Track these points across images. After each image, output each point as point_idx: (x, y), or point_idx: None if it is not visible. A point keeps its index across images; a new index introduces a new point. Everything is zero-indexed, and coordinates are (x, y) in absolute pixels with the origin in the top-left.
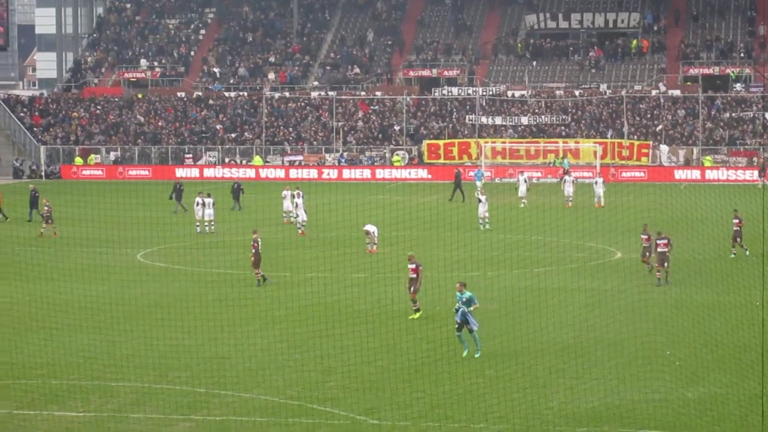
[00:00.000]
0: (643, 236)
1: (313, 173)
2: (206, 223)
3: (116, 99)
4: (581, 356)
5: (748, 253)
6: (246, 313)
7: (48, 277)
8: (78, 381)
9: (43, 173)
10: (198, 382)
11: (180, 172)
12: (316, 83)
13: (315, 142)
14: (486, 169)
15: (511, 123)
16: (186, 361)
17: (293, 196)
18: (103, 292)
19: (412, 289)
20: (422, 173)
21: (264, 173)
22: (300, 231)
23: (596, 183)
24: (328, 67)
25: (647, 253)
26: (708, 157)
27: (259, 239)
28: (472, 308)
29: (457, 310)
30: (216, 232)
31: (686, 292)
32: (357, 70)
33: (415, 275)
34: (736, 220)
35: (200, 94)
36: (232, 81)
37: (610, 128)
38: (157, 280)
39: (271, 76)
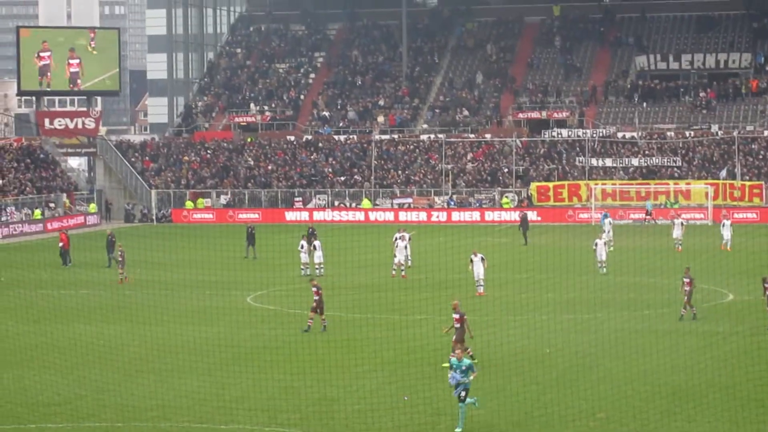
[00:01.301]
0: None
1: (422, 216)
2: (316, 266)
3: (226, 143)
4: (693, 399)
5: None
6: (355, 354)
7: (158, 320)
8: (189, 423)
9: (154, 217)
10: (308, 424)
11: (290, 216)
12: (425, 126)
13: (424, 185)
14: (598, 211)
15: (621, 165)
16: (296, 402)
17: (312, 248)
18: (213, 334)
19: (454, 337)
20: (532, 215)
21: (373, 216)
22: (402, 274)
23: (723, 226)
24: (437, 110)
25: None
26: None
27: (320, 285)
28: (471, 378)
29: (455, 384)
30: (325, 275)
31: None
32: (466, 112)
33: (459, 324)
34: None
35: (310, 137)
36: (341, 124)
37: (722, 169)
38: (267, 322)
39: (381, 119)
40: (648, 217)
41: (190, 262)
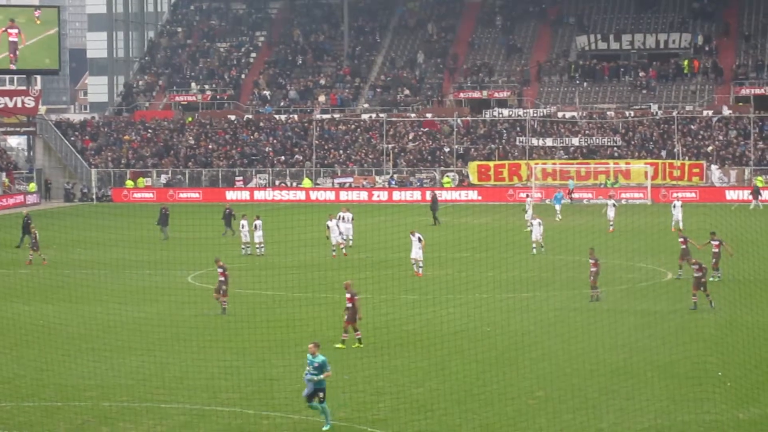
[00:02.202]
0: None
1: (363, 195)
2: (257, 246)
3: (167, 122)
4: (632, 377)
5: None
6: (295, 334)
7: (98, 300)
8: (129, 403)
9: (94, 196)
10: (248, 404)
11: (230, 195)
12: (366, 105)
13: (365, 165)
14: (538, 191)
15: (561, 144)
16: (236, 382)
17: (252, 227)
18: (153, 313)
19: (346, 317)
20: (472, 195)
21: (314, 195)
22: (343, 252)
23: (674, 207)
24: (378, 90)
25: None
26: (760, 177)
27: (225, 266)
28: (323, 376)
29: (308, 379)
30: (265, 255)
31: (737, 313)
32: (407, 92)
33: (351, 304)
34: (716, 242)
35: (251, 116)
36: (282, 104)
37: (663, 149)
38: (207, 301)
39: (322, 98)
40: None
41: (129, 241)
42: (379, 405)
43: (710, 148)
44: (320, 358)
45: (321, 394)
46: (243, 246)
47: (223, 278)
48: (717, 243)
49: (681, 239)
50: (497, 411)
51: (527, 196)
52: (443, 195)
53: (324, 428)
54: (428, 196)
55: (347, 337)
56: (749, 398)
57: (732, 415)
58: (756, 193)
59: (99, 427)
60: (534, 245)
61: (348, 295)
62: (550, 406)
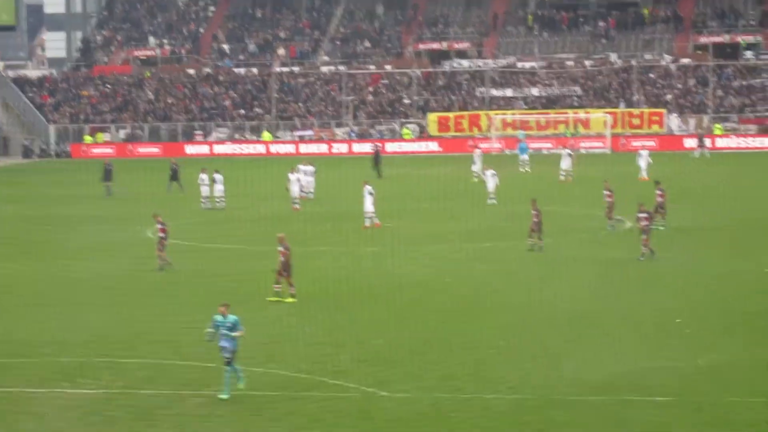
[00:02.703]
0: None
1: (323, 148)
2: (217, 199)
3: (126, 77)
4: (593, 326)
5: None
6: (257, 286)
7: (56, 255)
8: (88, 358)
9: (52, 152)
10: (209, 358)
11: (190, 149)
12: (326, 58)
13: (325, 117)
14: (497, 141)
15: (521, 95)
16: (198, 336)
17: (212, 181)
18: (113, 269)
19: (278, 268)
20: (432, 146)
21: (274, 149)
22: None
23: (640, 156)
24: (338, 42)
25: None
26: (718, 125)
27: (165, 222)
28: (237, 334)
29: (216, 337)
30: (225, 208)
31: (696, 261)
32: (367, 44)
33: (284, 258)
34: (659, 192)
35: (210, 71)
36: (241, 57)
37: (621, 98)
38: (169, 256)
39: (281, 51)
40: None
41: (88, 197)
42: (339, 357)
43: (669, 96)
44: (232, 317)
45: (228, 355)
46: (203, 200)
47: (162, 234)
48: (660, 192)
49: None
50: (458, 361)
51: (475, 147)
52: (403, 146)
53: (221, 396)
54: (371, 148)
55: (280, 288)
56: (707, 345)
57: (690, 361)
58: (701, 141)
59: (59, 382)
60: (491, 196)
61: (281, 249)
62: (511, 355)
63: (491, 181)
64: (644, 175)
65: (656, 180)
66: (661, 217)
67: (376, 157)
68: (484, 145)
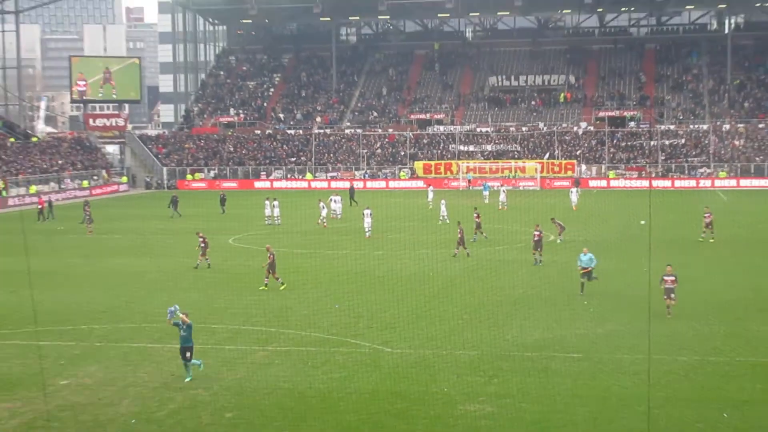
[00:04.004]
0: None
1: (346, 184)
2: (276, 218)
3: (214, 136)
4: (526, 306)
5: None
6: (302, 277)
7: (168, 255)
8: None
9: (165, 185)
10: (270, 324)
11: (257, 184)
12: (348, 124)
13: (347, 163)
14: (463, 180)
15: (479, 149)
16: (263, 309)
17: (272, 206)
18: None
19: (267, 268)
20: (419, 183)
21: (314, 184)
22: (324, 224)
23: (572, 192)
24: (356, 113)
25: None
26: (612, 172)
27: (205, 235)
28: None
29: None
30: (282, 225)
31: (598, 261)
32: (375, 114)
33: (270, 260)
34: (707, 214)
35: (270, 132)
36: (291, 123)
37: (546, 153)
38: (243, 256)
39: (318, 119)
40: (465, 186)
41: (189, 215)
42: (358, 324)
43: (579, 152)
44: (189, 323)
45: (189, 354)
46: (266, 218)
47: (203, 244)
48: (708, 214)
49: (558, 224)
50: (437, 328)
51: (428, 186)
52: (400, 183)
53: (186, 380)
54: (347, 185)
55: (268, 281)
56: (604, 319)
57: (593, 330)
58: (576, 183)
59: (171, 340)
60: (441, 218)
61: (269, 254)
62: (473, 324)
63: (443, 207)
64: (574, 207)
65: (706, 205)
66: (710, 231)
67: (351, 191)
68: (454, 184)
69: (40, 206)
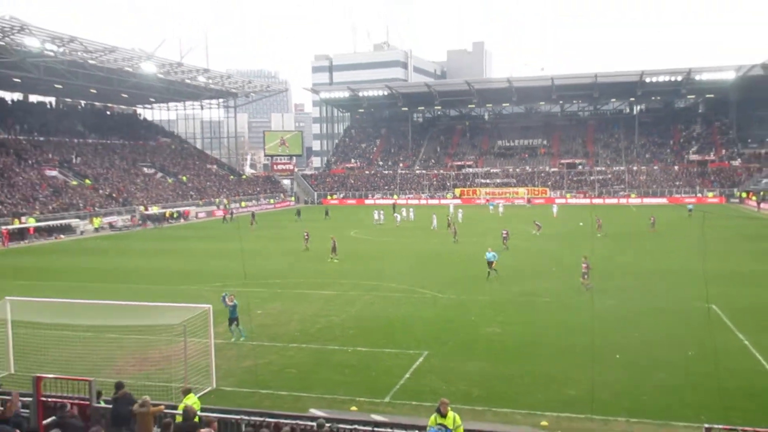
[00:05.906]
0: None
1: (415, 202)
2: (381, 221)
3: (343, 174)
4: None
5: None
6: (390, 252)
7: (301, 240)
8: (307, 279)
9: (315, 202)
10: (372, 280)
11: (367, 201)
12: (417, 167)
13: (416, 191)
14: (484, 200)
15: (493, 182)
16: (362, 272)
17: (379, 213)
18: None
19: (332, 249)
20: (457, 201)
21: (399, 201)
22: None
23: (553, 206)
24: (422, 160)
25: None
26: (569, 194)
27: (335, 238)
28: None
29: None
30: (383, 224)
31: (545, 254)
32: (432, 161)
33: (333, 244)
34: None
35: (373, 172)
36: (386, 166)
37: (530, 184)
38: (362, 244)
39: (401, 165)
40: (482, 202)
41: (327, 221)
42: (423, 281)
43: (549, 183)
44: (234, 303)
45: (235, 323)
46: (375, 221)
47: (333, 243)
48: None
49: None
50: (467, 284)
51: (492, 203)
52: (444, 201)
53: (241, 339)
54: (391, 201)
55: (333, 256)
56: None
57: (555, 285)
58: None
59: (320, 289)
60: (432, 226)
61: (332, 241)
62: (490, 284)
63: (434, 220)
64: (555, 215)
65: (596, 214)
66: (601, 230)
67: (394, 206)
68: (477, 201)
69: (223, 214)
